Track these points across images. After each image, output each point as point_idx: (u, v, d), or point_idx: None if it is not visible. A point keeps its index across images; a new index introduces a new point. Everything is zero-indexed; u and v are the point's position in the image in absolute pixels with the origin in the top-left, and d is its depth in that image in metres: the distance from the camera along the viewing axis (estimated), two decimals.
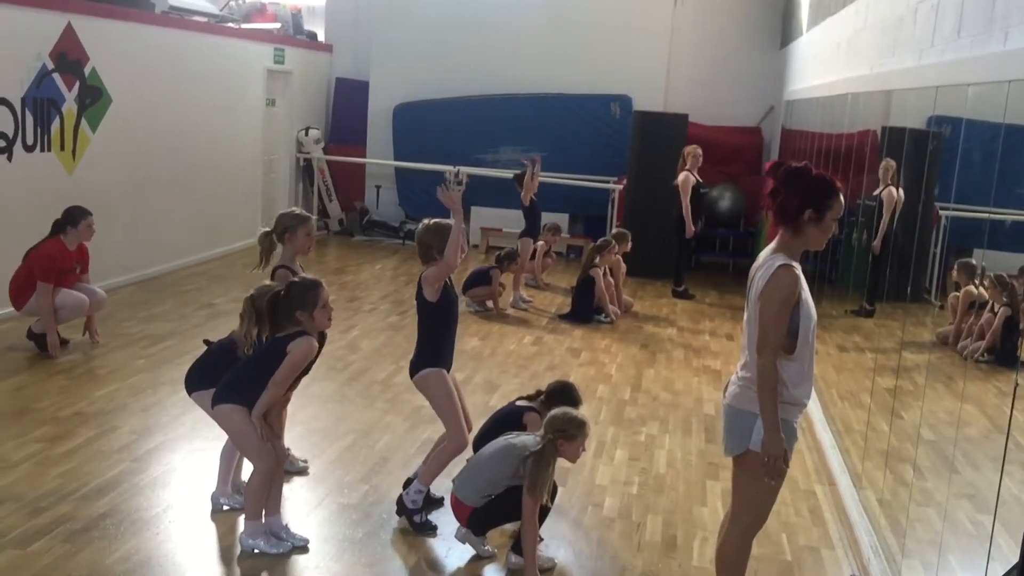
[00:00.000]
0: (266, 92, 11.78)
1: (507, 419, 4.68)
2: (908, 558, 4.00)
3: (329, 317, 4.09)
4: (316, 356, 4.16)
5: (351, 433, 5.60)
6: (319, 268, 10.67)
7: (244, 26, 11.92)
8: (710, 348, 8.24)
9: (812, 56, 9.24)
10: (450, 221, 4.28)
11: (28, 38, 7.64)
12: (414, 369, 4.42)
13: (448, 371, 4.46)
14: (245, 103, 11.28)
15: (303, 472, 4.97)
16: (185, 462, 5.02)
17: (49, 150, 7.94)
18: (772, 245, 3.40)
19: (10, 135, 7.48)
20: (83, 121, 8.33)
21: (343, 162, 13.06)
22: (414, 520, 4.41)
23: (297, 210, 4.92)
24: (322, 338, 4.23)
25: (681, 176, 9.99)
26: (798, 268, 3.29)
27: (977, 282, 4.17)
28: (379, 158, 12.88)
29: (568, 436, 4.04)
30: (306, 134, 12.80)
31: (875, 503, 4.62)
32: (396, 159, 12.74)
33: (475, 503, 4.14)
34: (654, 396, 6.74)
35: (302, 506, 4.63)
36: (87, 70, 8.31)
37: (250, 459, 4.12)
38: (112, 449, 5.10)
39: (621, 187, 11.64)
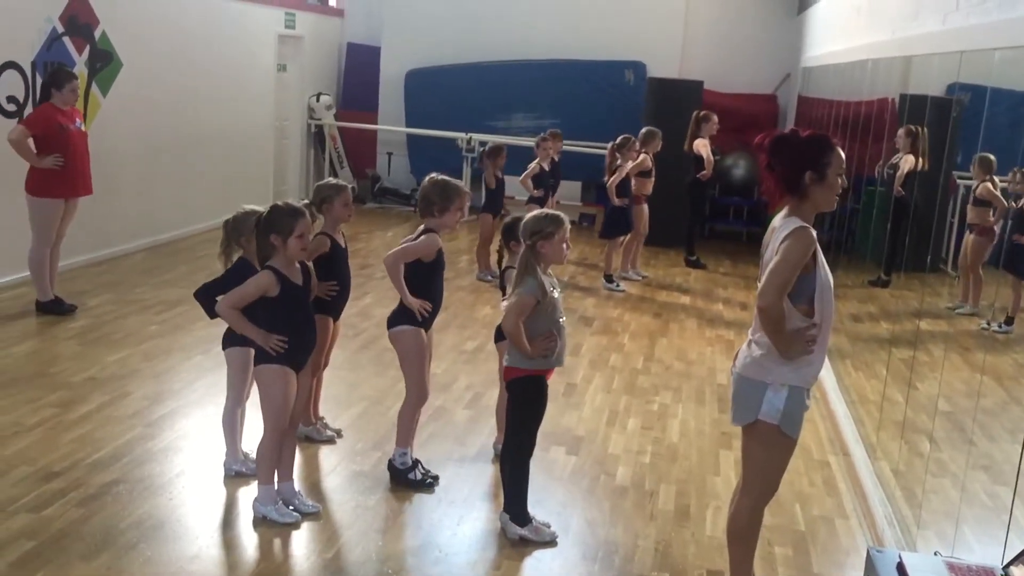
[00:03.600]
0: (277, 57, 11.69)
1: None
2: (923, 529, 3.98)
3: (304, 248, 4.03)
4: (304, 304, 4.07)
5: (363, 400, 5.60)
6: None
7: None
8: (723, 318, 8.20)
9: (830, 22, 9.09)
10: (458, 183, 4.46)
11: (39, 1, 7.57)
12: (391, 323, 4.49)
13: (427, 330, 4.52)
14: (256, 68, 11.19)
15: (331, 441, 4.96)
16: (198, 428, 5.02)
17: None
18: (784, 211, 3.35)
19: (20, 99, 7.44)
20: (94, 85, 8.29)
21: (355, 128, 12.98)
22: (409, 479, 4.47)
23: (333, 180, 4.85)
24: (306, 277, 4.13)
25: (699, 141, 9.85)
26: (814, 232, 3.24)
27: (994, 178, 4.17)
28: (391, 125, 12.79)
29: (545, 235, 3.90)
30: (317, 100, 12.72)
31: (890, 474, 4.59)
32: (408, 126, 12.64)
33: (518, 363, 4.01)
34: (667, 366, 6.71)
35: (315, 472, 4.63)
36: (97, 34, 8.25)
37: (264, 418, 4.09)
38: (125, 415, 5.11)
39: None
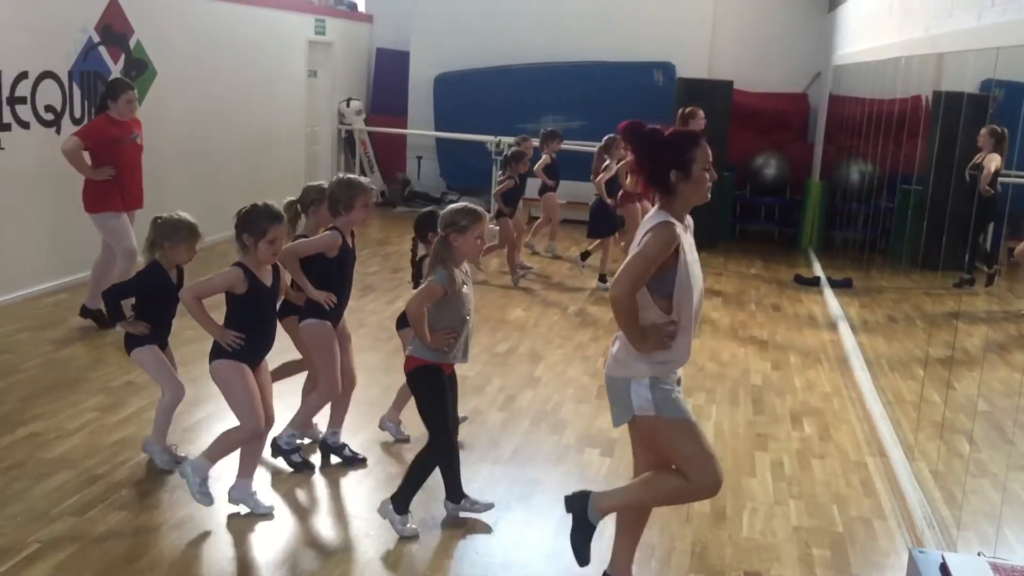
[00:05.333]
0: (308, 63, 11.80)
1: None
2: (964, 530, 3.95)
3: (275, 253, 4.07)
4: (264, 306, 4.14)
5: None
6: (362, 239, 10.73)
7: None
8: (756, 318, 8.16)
9: (861, 19, 9.02)
10: (363, 181, 4.57)
11: (74, 11, 7.70)
12: (300, 317, 4.58)
13: (336, 324, 4.61)
14: (287, 74, 11.30)
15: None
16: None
17: None
18: (655, 207, 3.35)
19: (58, 108, 7.56)
20: None
21: (384, 133, 13.05)
22: (293, 460, 4.65)
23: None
24: (275, 279, 4.20)
25: None
26: (679, 228, 3.22)
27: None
28: (420, 128, 12.85)
29: (460, 228, 3.91)
30: (347, 105, 12.81)
31: (928, 475, 4.55)
32: (437, 129, 12.70)
33: (418, 353, 4.06)
34: (700, 367, 6.69)
35: (352, 474, 4.66)
36: (132, 43, 8.36)
37: (237, 416, 4.15)
38: None
39: None
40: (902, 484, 4.71)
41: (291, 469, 4.65)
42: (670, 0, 12.27)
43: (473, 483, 4.58)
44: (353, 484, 4.59)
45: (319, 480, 4.61)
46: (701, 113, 9.68)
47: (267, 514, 4.15)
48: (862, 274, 8.19)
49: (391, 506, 4.05)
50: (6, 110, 7.05)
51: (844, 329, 7.68)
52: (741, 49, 12.31)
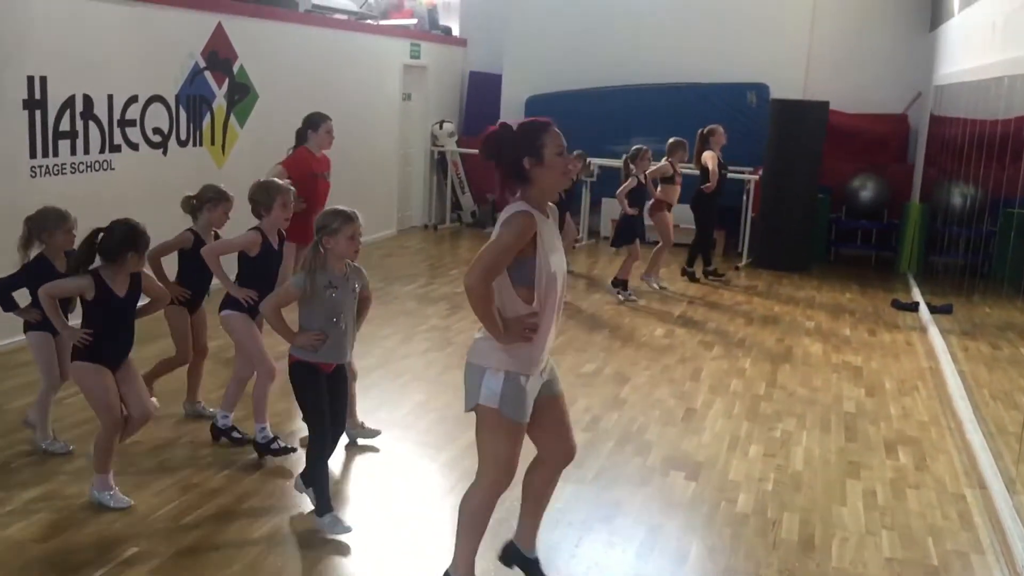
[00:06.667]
0: (402, 87, 12.04)
1: None
2: None
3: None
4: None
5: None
6: (453, 259, 10.87)
7: (382, 22, 12.20)
8: (850, 344, 7.96)
9: (964, 38, 8.76)
10: (279, 183, 5.03)
11: (182, 38, 8.05)
12: (220, 308, 4.98)
13: (254, 317, 4.94)
14: (383, 98, 11.56)
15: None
16: None
17: (200, 145, 8.35)
18: (515, 197, 3.34)
19: (165, 130, 7.90)
20: (232, 117, 8.72)
21: (476, 155, 13.18)
22: (272, 448, 4.90)
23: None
24: (135, 288, 4.36)
25: (708, 154, 9.84)
26: (538, 217, 3.24)
27: None
28: None
29: (330, 231, 4.08)
30: (440, 127, 13.01)
31: None
32: None
33: (293, 350, 4.22)
34: (790, 392, 6.55)
35: (435, 490, 4.72)
36: (236, 68, 8.69)
37: (96, 414, 4.36)
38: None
39: (757, 177, 11.35)
40: (1002, 518, 4.53)
41: (275, 458, 4.91)
42: (765, 21, 12.13)
43: (556, 502, 4.56)
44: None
45: (382, 488, 4.67)
46: (720, 129, 9.99)
47: (126, 507, 4.30)
48: (963, 299, 7.92)
49: (318, 517, 4.19)
50: (117, 132, 7.40)
51: (943, 356, 7.43)
52: (838, 69, 12.07)
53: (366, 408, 5.59)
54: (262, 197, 4.92)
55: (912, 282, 10.50)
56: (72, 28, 6.91)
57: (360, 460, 5.06)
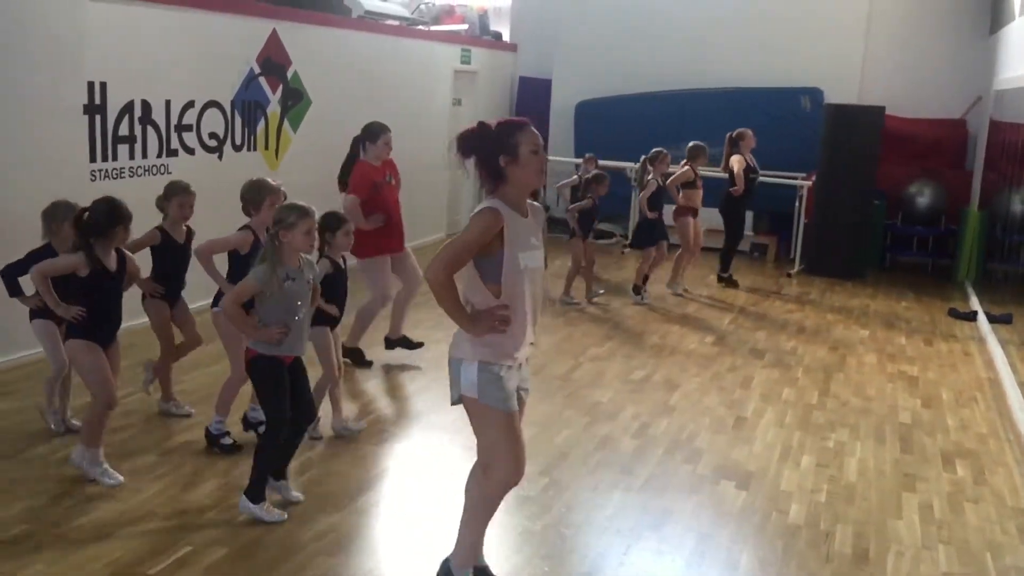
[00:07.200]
0: (453, 92, 12.09)
1: None
2: None
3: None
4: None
5: (531, 426, 5.65)
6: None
7: (433, 28, 12.28)
8: (906, 353, 7.81)
9: None
10: (269, 182, 5.17)
11: (238, 45, 8.17)
12: (213, 303, 5.12)
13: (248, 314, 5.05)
14: (433, 103, 11.62)
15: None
16: (379, 447, 5.22)
17: (255, 149, 8.47)
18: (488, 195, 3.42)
19: (220, 135, 8.02)
20: (285, 122, 8.83)
21: None
22: (223, 444, 5.00)
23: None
24: (121, 266, 4.55)
25: (735, 158, 9.77)
26: (509, 214, 3.31)
27: None
28: (560, 156, 12.94)
29: (287, 225, 4.16)
30: None
31: None
32: (577, 156, 12.74)
33: (252, 344, 4.30)
34: (844, 401, 6.45)
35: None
36: (289, 74, 8.80)
37: (88, 389, 4.54)
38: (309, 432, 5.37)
39: (810, 183, 11.20)
40: None
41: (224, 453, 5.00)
42: (819, 24, 11.97)
43: (605, 509, 4.56)
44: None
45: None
46: (750, 133, 9.98)
47: (116, 483, 4.47)
48: None
49: (246, 502, 4.25)
50: (174, 137, 7.54)
51: (1002, 367, 7.26)
52: (894, 74, 11.87)
53: (417, 410, 5.61)
54: (252, 196, 5.06)
55: (970, 290, 10.27)
56: (131, 35, 7.04)
57: (413, 464, 5.07)
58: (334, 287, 5.16)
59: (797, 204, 11.38)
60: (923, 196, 11.29)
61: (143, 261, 5.27)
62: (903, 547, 4.33)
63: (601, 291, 9.26)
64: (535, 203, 3.52)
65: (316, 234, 4.33)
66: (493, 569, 3.81)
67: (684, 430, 5.72)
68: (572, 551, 4.18)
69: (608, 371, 6.82)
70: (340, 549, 4.06)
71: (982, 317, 8.92)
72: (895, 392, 6.72)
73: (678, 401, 6.26)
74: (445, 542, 4.18)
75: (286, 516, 4.27)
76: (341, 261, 5.25)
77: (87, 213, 4.44)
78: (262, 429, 5.07)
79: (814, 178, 11.17)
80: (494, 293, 3.34)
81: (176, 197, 5.31)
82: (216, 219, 7.68)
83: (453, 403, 3.49)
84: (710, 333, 8.13)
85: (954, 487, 5.07)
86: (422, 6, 12.66)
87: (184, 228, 5.41)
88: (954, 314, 9.24)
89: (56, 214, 4.86)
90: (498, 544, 4.19)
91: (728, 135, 10.02)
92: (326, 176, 9.33)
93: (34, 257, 4.81)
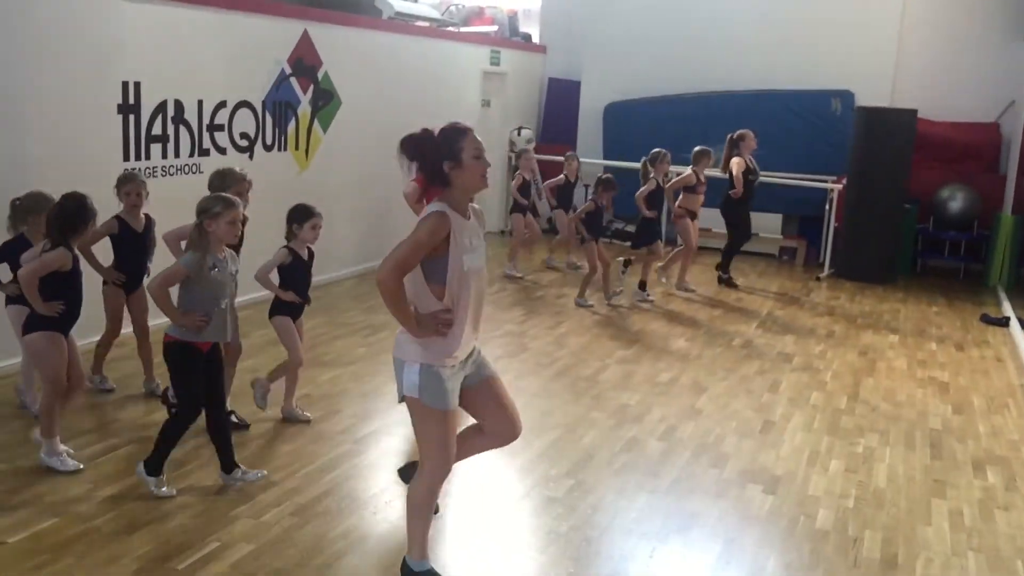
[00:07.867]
0: (482, 93, 12.12)
1: None
2: None
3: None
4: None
5: (558, 428, 5.66)
6: (527, 265, 10.88)
7: (463, 29, 12.31)
8: (937, 358, 7.72)
9: None
10: (236, 171, 5.41)
11: (269, 45, 8.24)
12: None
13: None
14: (463, 104, 11.64)
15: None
16: (401, 446, 5.25)
17: (285, 149, 8.53)
18: (435, 199, 3.49)
19: (252, 135, 8.09)
20: (316, 122, 8.89)
21: (553, 161, 13.20)
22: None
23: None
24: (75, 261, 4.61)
25: (735, 160, 9.74)
26: (454, 217, 3.38)
27: None
28: (589, 157, 12.92)
29: (212, 215, 4.29)
30: (518, 134, 13.04)
31: None
32: (605, 158, 12.74)
33: (171, 330, 4.41)
34: (873, 406, 6.39)
35: (508, 496, 4.72)
36: (320, 74, 8.86)
37: (43, 380, 4.65)
38: (335, 431, 5.42)
39: (840, 187, 11.11)
40: None
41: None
42: (851, 26, 11.87)
43: (630, 512, 4.55)
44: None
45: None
46: (751, 135, 9.96)
47: (75, 470, 4.59)
48: None
49: (143, 469, 4.41)
50: (206, 136, 7.61)
51: None
52: (927, 77, 11.74)
53: None
54: (218, 184, 5.20)
55: (1003, 296, 10.15)
56: (165, 36, 7.12)
57: None
58: (292, 276, 5.32)
59: (827, 207, 11.29)
60: (955, 200, 11.17)
61: (103, 250, 5.54)
62: (932, 554, 4.29)
63: (620, 289, 9.23)
64: (475, 205, 3.60)
65: (240, 225, 4.44)
66: (518, 569, 3.82)
67: (711, 433, 5.69)
68: (597, 553, 4.18)
69: (635, 373, 6.81)
70: (366, 547, 4.08)
71: (1015, 323, 8.81)
72: (925, 398, 6.65)
73: (705, 404, 6.24)
74: (469, 539, 4.20)
75: (175, 493, 4.42)
76: (304, 252, 5.35)
77: (60, 209, 4.53)
78: (233, 419, 5.28)
79: (844, 181, 11.08)
80: (437, 295, 3.42)
81: (123, 186, 5.48)
82: (249, 218, 7.77)
83: (399, 401, 3.57)
84: (738, 336, 8.09)
85: (985, 494, 5.02)
86: (452, 7, 12.69)
87: (143, 217, 5.54)
88: (986, 320, 9.13)
89: (35, 206, 4.96)
90: (524, 545, 4.19)
91: (729, 136, 9.96)
92: (353, 174, 9.42)
93: (10, 248, 4.97)
